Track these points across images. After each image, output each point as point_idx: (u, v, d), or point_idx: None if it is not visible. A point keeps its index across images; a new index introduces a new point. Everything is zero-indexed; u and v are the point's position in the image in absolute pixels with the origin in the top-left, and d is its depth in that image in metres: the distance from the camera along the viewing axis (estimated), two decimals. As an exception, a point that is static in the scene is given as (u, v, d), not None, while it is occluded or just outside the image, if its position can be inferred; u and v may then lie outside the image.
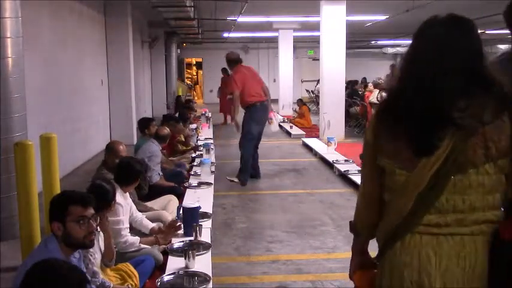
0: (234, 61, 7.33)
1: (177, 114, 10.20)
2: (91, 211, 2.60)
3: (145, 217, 4.45)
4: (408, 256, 1.55)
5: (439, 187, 1.49)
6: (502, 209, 1.56)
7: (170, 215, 4.82)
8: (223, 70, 15.88)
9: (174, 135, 7.74)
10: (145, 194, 5.31)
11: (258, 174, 7.39)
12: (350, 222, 1.87)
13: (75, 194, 2.65)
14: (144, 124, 6.81)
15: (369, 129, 1.69)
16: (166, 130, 6.35)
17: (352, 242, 1.89)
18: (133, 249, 3.81)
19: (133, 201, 4.66)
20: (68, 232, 2.51)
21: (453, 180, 1.49)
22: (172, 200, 5.25)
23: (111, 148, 4.83)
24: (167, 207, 5.05)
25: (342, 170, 7.25)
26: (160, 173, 5.97)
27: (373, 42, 22.87)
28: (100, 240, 3.24)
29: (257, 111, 7.13)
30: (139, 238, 3.93)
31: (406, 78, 1.59)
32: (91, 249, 2.87)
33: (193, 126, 11.24)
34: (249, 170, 7.17)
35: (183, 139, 8.55)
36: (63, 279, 1.97)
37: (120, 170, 4.13)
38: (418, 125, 1.50)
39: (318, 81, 14.75)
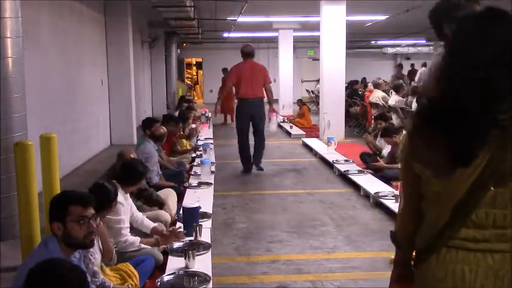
0: (244, 54, 7.70)
1: (177, 113, 10.21)
2: (91, 211, 2.59)
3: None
4: (442, 271, 1.47)
5: (475, 200, 1.40)
6: None
7: (169, 212, 4.82)
8: (224, 70, 15.89)
9: (173, 135, 7.74)
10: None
11: (254, 165, 7.80)
12: (391, 231, 1.77)
13: (75, 194, 2.65)
14: (146, 124, 6.79)
15: (406, 135, 1.59)
16: (162, 129, 6.30)
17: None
18: (133, 249, 3.81)
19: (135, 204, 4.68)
20: (68, 232, 2.51)
21: (493, 192, 1.39)
22: (170, 195, 5.25)
23: (121, 156, 4.85)
24: (166, 200, 5.05)
25: (342, 170, 7.25)
26: (160, 172, 5.97)
27: (373, 42, 22.87)
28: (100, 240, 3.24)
29: (243, 106, 7.65)
30: (139, 238, 3.93)
31: (446, 81, 1.41)
32: (91, 249, 2.87)
33: (193, 126, 11.24)
34: (245, 160, 7.72)
35: (183, 140, 8.55)
36: (64, 279, 1.97)
37: (123, 170, 4.15)
38: (457, 130, 1.36)
39: (318, 81, 14.77)
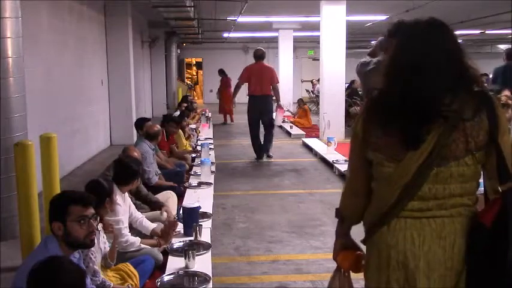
0: (255, 57, 8.81)
1: (177, 113, 10.20)
2: (91, 211, 2.59)
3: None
4: (394, 238, 1.69)
5: (422, 178, 1.63)
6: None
7: (169, 215, 4.81)
8: (220, 72, 15.87)
9: (172, 135, 7.73)
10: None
11: (264, 153, 8.78)
12: (336, 208, 1.98)
13: (75, 193, 2.65)
14: (138, 124, 6.76)
15: (358, 124, 1.79)
16: (156, 127, 6.16)
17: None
18: (133, 249, 3.81)
19: (134, 203, 4.66)
20: (69, 232, 2.51)
21: (436, 171, 1.63)
22: (171, 197, 5.24)
23: (124, 152, 4.83)
24: (166, 204, 5.04)
25: (342, 170, 7.25)
26: (159, 172, 5.95)
27: (373, 42, 22.81)
28: (100, 240, 3.24)
29: (253, 102, 8.67)
30: (139, 238, 3.93)
31: (394, 78, 1.70)
32: (92, 248, 2.87)
33: (193, 126, 11.24)
34: (256, 148, 8.75)
35: (183, 140, 8.54)
36: (62, 275, 2.04)
37: (117, 169, 4.12)
38: (406, 119, 1.62)
39: (318, 80, 14.76)
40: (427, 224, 1.66)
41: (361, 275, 1.91)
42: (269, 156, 8.83)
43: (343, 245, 1.94)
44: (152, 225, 4.25)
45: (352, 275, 1.98)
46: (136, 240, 3.86)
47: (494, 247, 1.57)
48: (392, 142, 1.66)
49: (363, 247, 1.88)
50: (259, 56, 8.70)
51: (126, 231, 3.80)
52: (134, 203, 4.64)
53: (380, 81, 1.75)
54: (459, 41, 1.70)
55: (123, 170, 4.08)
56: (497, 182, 1.65)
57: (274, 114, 9.56)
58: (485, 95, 1.66)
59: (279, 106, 9.76)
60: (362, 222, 1.86)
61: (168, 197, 5.22)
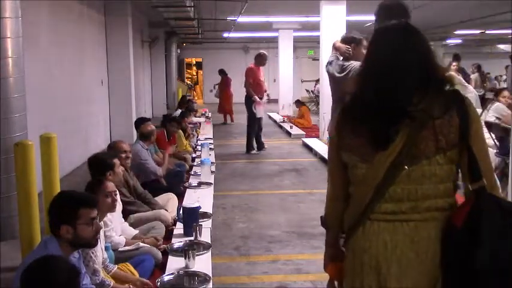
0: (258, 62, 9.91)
1: (178, 112, 10.20)
2: (96, 211, 2.63)
3: (145, 216, 4.49)
4: (367, 242, 1.69)
5: (392, 178, 1.63)
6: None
7: (170, 213, 4.81)
8: (220, 71, 15.88)
9: (174, 135, 7.73)
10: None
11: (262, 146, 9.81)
12: (321, 217, 2.01)
13: (83, 196, 2.70)
14: (137, 124, 6.72)
15: (334, 127, 1.83)
16: (149, 127, 6.02)
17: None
18: (120, 249, 3.78)
19: (135, 202, 4.66)
20: (78, 234, 2.52)
21: (407, 171, 1.62)
22: (172, 199, 5.24)
23: (112, 146, 4.83)
24: (167, 205, 5.04)
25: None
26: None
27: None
28: (101, 239, 3.24)
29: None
30: (125, 239, 3.89)
31: (366, 80, 1.75)
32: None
33: (196, 119, 11.24)
34: (256, 141, 9.71)
35: (183, 140, 8.53)
36: (55, 274, 2.06)
37: (91, 167, 4.05)
38: (376, 120, 1.65)
39: (317, 80, 14.76)
40: (400, 228, 1.65)
41: None
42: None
43: (332, 256, 1.94)
44: (135, 231, 4.17)
45: None
46: (122, 240, 3.83)
47: (465, 248, 1.55)
48: (363, 143, 1.67)
49: None
50: (257, 61, 9.89)
51: (110, 232, 3.72)
52: (134, 202, 4.64)
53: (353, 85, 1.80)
54: (429, 43, 1.73)
55: (96, 165, 4.01)
56: (469, 181, 1.64)
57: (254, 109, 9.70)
58: (456, 93, 1.68)
59: (255, 100, 9.64)
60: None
61: (169, 199, 5.23)
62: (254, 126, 9.62)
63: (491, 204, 1.58)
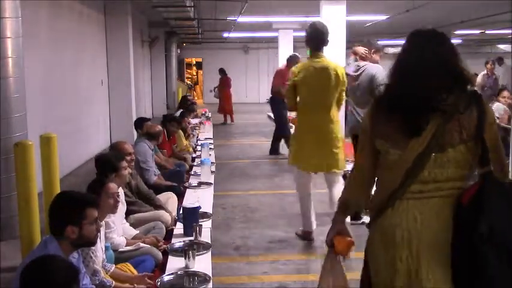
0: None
1: (178, 112, 10.20)
2: (97, 210, 2.66)
3: (145, 217, 4.48)
4: (398, 218, 1.90)
5: (422, 163, 1.86)
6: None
7: (170, 213, 4.81)
8: (220, 71, 15.87)
9: (174, 135, 7.73)
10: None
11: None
12: (340, 199, 2.17)
13: (86, 195, 2.73)
14: (137, 123, 6.74)
15: (367, 116, 2.04)
16: (157, 128, 6.09)
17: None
18: (121, 249, 3.78)
19: (136, 202, 4.65)
20: (83, 234, 2.53)
21: (434, 157, 1.85)
22: (171, 198, 5.23)
23: (114, 148, 4.81)
24: (166, 205, 5.04)
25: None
26: (157, 172, 5.94)
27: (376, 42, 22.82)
28: (101, 238, 3.24)
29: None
30: (125, 240, 3.89)
31: (401, 77, 1.97)
32: (92, 247, 2.88)
33: (196, 120, 11.23)
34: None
35: (184, 140, 8.53)
36: (53, 274, 2.06)
37: (97, 165, 3.97)
38: (410, 112, 1.88)
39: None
40: (427, 203, 1.88)
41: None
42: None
43: (339, 231, 2.10)
44: (135, 231, 4.16)
45: None
46: (122, 241, 3.83)
47: (468, 224, 1.78)
48: (396, 130, 1.90)
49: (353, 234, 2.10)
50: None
51: (111, 234, 3.71)
52: (135, 201, 4.64)
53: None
54: (455, 48, 1.98)
55: (100, 165, 3.94)
56: (479, 167, 1.89)
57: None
58: (476, 93, 1.94)
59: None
60: (366, 210, 2.10)
61: (169, 198, 5.21)
62: (284, 128, 9.28)
63: (494, 185, 1.83)
